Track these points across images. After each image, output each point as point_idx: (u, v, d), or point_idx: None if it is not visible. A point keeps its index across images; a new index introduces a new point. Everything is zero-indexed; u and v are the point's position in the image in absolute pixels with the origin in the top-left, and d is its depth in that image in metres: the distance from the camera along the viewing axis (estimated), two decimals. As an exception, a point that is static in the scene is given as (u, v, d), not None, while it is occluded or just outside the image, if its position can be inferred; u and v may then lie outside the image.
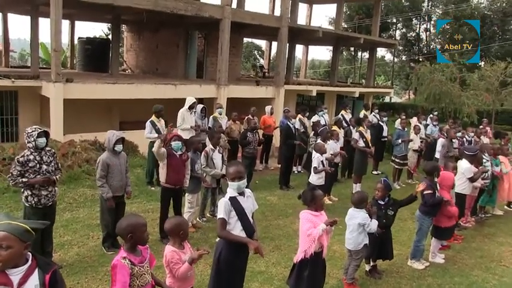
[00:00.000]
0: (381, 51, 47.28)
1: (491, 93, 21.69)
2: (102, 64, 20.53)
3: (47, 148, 6.77)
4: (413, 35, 43.85)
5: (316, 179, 9.99)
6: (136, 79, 17.56)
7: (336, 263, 7.70)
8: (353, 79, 42.88)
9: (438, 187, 7.69)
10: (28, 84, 14.41)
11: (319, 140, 10.82)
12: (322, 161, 10.01)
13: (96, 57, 20.86)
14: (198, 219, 9.41)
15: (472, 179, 9.06)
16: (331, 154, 10.86)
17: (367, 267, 7.36)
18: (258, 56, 52.92)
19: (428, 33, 43.34)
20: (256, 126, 12.12)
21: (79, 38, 22.53)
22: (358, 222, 6.54)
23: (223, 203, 5.09)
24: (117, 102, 17.25)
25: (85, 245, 8.03)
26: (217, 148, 9.30)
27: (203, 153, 9.13)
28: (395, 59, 43.86)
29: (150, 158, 11.33)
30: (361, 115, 15.95)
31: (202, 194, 9.43)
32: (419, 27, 43.51)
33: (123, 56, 24.85)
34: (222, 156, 9.40)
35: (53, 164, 6.75)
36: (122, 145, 7.55)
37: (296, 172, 14.28)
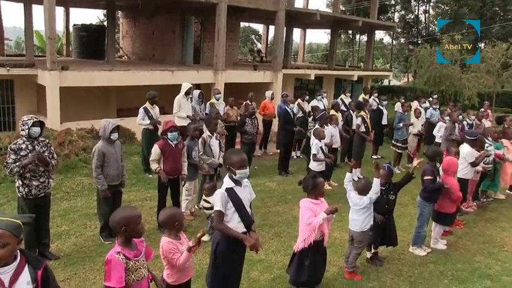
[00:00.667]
0: (379, 34, 46.96)
1: (492, 75, 21.42)
2: (98, 51, 20.31)
3: (41, 138, 6.65)
4: (412, 17, 43.42)
5: (316, 165, 9.89)
6: (133, 66, 17.38)
7: (337, 250, 7.62)
8: (351, 62, 42.66)
9: (441, 173, 7.59)
10: (23, 73, 14.26)
11: (317, 125, 10.69)
12: (321, 147, 9.89)
13: (92, 44, 20.62)
14: (196, 206, 9.31)
15: (473, 164, 8.93)
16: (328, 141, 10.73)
17: (368, 255, 7.27)
18: (255, 40, 52.60)
19: (427, 15, 42.93)
20: (254, 112, 11.97)
21: (74, 25, 22.27)
22: (365, 205, 6.46)
23: (219, 195, 4.96)
24: (114, 89, 17.15)
25: (82, 234, 7.94)
26: (215, 135, 9.17)
27: (200, 140, 8.98)
28: (394, 42, 43.51)
29: (145, 145, 11.22)
30: (360, 99, 15.80)
31: (200, 181, 9.33)
32: (418, 9, 43.09)
33: (119, 42, 24.61)
34: (220, 143, 9.27)
35: (46, 154, 6.62)
36: (117, 133, 7.43)
37: (295, 157, 14.13)
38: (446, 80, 21.40)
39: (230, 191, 4.98)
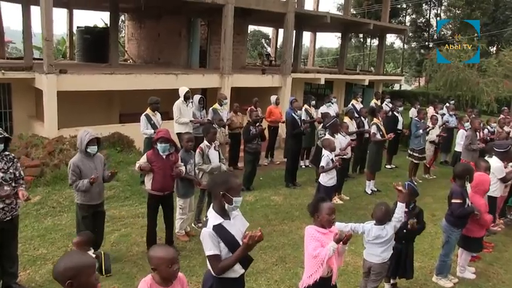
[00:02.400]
0: (390, 38, 45.68)
1: (511, 79, 20.07)
2: (102, 54, 19.20)
3: (6, 152, 5.59)
4: (423, 21, 42.09)
5: (327, 179, 8.65)
6: (136, 69, 16.36)
7: (349, 280, 6.49)
8: (362, 67, 41.37)
9: (469, 190, 6.36)
10: (20, 76, 13.33)
11: (327, 135, 9.48)
12: (332, 159, 8.68)
13: (96, 47, 19.50)
14: (193, 225, 8.22)
15: (504, 179, 7.72)
16: (340, 149, 9.53)
17: (387, 286, 6.11)
18: (265, 44, 51.44)
19: (438, 18, 41.56)
20: (257, 119, 10.82)
21: (78, 27, 21.27)
22: (389, 236, 5.34)
23: (207, 236, 3.84)
24: (117, 94, 16.20)
25: (61, 259, 6.85)
26: (213, 144, 8.08)
27: (198, 150, 7.94)
28: (405, 46, 42.09)
29: (145, 155, 10.17)
30: (372, 104, 14.65)
31: (198, 197, 8.24)
32: (430, 13, 41.73)
33: (124, 45, 23.63)
34: (219, 154, 8.19)
35: (11, 171, 5.55)
36: (96, 146, 6.34)
37: (303, 167, 12.97)
38: (463, 85, 20.00)
39: (219, 229, 3.87)
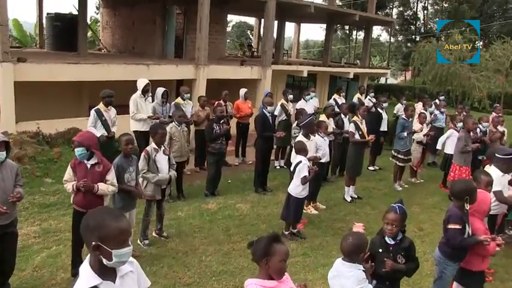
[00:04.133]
0: (376, 31, 44.40)
1: (501, 74, 18.68)
2: (73, 42, 17.65)
3: None
4: (410, 13, 40.73)
5: (300, 190, 7.12)
6: (104, 59, 14.93)
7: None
8: (347, 59, 40.03)
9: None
10: (-25, 65, 11.86)
11: (300, 136, 7.98)
12: (308, 167, 7.17)
13: (67, 35, 17.94)
14: (138, 242, 6.76)
15: (502, 198, 6.19)
16: (315, 156, 8.03)
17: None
18: (251, 36, 49.99)
19: (426, 12, 40.22)
20: (223, 115, 9.30)
21: (47, 13, 19.66)
22: None
23: None
24: (86, 85, 14.76)
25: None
26: (162, 148, 6.66)
27: (143, 154, 6.54)
28: (392, 39, 40.72)
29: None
30: (355, 99, 13.25)
31: (144, 210, 6.79)
32: (417, 6, 40.39)
33: (97, 34, 22.06)
34: (169, 159, 6.75)
35: None
36: (4, 152, 4.89)
37: (278, 167, 11.47)
38: (453, 79, 18.49)
39: None
